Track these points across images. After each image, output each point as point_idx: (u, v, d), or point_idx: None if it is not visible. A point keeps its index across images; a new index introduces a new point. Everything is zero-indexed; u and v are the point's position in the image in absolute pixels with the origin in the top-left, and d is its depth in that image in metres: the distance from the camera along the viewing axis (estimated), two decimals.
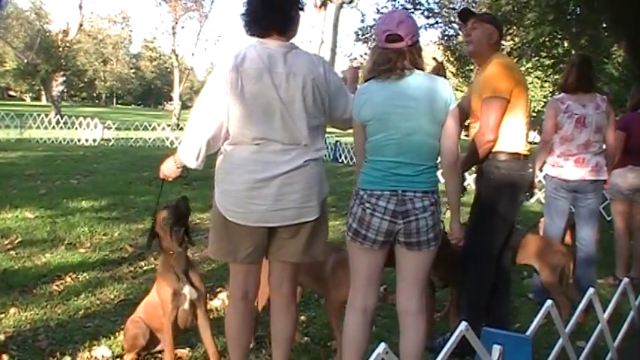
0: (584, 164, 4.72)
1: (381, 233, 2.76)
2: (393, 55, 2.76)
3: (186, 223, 3.24)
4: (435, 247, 2.83)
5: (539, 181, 6.52)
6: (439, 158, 2.82)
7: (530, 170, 3.71)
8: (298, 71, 2.75)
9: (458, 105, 2.85)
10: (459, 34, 26.73)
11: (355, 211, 2.82)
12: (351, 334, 2.92)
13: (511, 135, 3.47)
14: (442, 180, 2.89)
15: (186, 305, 3.24)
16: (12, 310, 4.07)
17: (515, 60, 19.01)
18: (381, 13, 26.94)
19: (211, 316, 3.63)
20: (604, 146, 4.91)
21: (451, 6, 27.22)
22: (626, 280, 2.97)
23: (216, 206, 2.86)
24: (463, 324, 1.94)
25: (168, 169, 3.01)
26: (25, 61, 40.60)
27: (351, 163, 17.86)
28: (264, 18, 2.77)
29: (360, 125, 2.86)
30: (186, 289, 3.23)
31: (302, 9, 2.89)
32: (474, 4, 25.04)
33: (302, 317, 3.91)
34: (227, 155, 2.82)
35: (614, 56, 19.48)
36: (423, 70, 2.82)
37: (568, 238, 5.31)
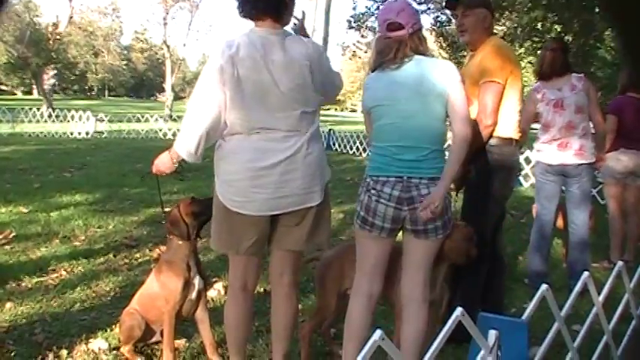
0: (567, 148, 4.74)
1: (387, 220, 2.76)
2: (394, 43, 2.76)
3: (209, 218, 3.13)
4: (443, 235, 2.82)
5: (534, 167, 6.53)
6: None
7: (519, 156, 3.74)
8: (294, 58, 2.73)
9: None
10: (451, 20, 26.64)
11: (362, 198, 2.83)
12: (354, 320, 2.93)
13: (504, 120, 3.47)
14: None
15: (193, 295, 3.26)
16: (8, 305, 4.06)
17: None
18: (374, 0, 26.86)
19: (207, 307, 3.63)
20: (591, 128, 4.92)
21: None
22: (620, 263, 2.98)
23: (217, 197, 2.83)
24: (459, 310, 1.93)
25: (164, 163, 2.94)
26: (16, 54, 40.43)
27: (344, 151, 17.88)
28: (257, 5, 2.74)
29: (367, 114, 2.92)
30: (197, 280, 3.26)
31: None
32: None
33: (300, 306, 3.92)
34: (226, 146, 2.79)
35: (606, 40, 19.47)
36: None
37: (560, 222, 5.35)
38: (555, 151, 4.79)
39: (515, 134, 3.56)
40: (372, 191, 2.76)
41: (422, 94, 2.71)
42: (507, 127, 3.50)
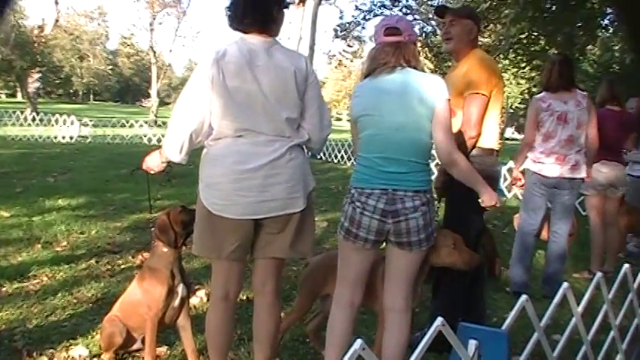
0: (564, 162, 4.84)
1: (372, 232, 2.76)
2: (390, 48, 2.79)
3: None
4: (427, 247, 2.83)
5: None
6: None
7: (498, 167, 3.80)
8: (279, 64, 2.76)
9: None
10: (437, 31, 26.82)
11: (347, 209, 2.82)
12: (336, 328, 2.94)
13: (486, 131, 3.52)
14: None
15: (176, 303, 3.26)
16: None
17: (493, 57, 19.14)
18: (360, 9, 27.06)
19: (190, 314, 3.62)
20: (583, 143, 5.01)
21: (429, 3, 27.32)
22: (599, 274, 3.01)
23: (200, 201, 2.83)
24: (439, 319, 1.95)
25: (153, 162, 2.99)
26: (0, 57, 40.07)
27: (329, 160, 17.90)
28: (245, 15, 2.78)
29: (354, 123, 2.90)
30: (180, 287, 3.26)
31: (287, 7, 2.91)
32: (451, 1, 25.15)
33: (282, 314, 3.92)
34: (211, 149, 2.82)
35: (589, 54, 19.74)
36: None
37: (545, 234, 5.41)
38: (552, 164, 4.87)
39: (496, 145, 3.62)
40: (357, 203, 2.76)
41: (410, 107, 2.73)
42: (489, 138, 3.55)
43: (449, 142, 2.78)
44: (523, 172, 5.19)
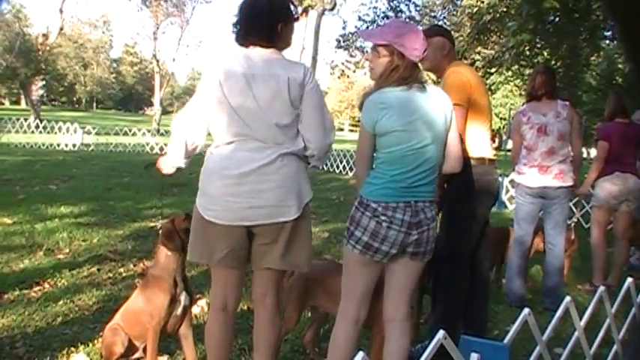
0: (547, 172, 4.88)
1: (395, 245, 2.73)
2: (416, 67, 2.82)
3: None
4: (430, 256, 2.87)
5: None
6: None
7: (497, 176, 3.81)
8: (273, 72, 2.77)
9: None
10: None
11: (366, 223, 2.72)
12: (339, 345, 2.90)
13: (474, 140, 3.53)
14: None
15: (179, 311, 3.26)
16: None
17: (496, 68, 19.16)
18: (363, 20, 27.13)
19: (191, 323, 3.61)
20: (570, 154, 5.02)
21: (432, 14, 27.43)
22: (602, 288, 3.01)
23: (196, 207, 2.87)
24: (441, 332, 1.95)
25: (165, 165, 3.09)
26: (5, 64, 40.21)
27: (330, 170, 17.89)
28: (249, 34, 2.83)
29: (372, 136, 2.78)
30: (183, 296, 3.26)
31: (296, 19, 2.96)
32: (454, 13, 25.25)
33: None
34: (210, 156, 2.87)
35: (592, 66, 19.76)
36: None
37: (539, 243, 5.42)
38: (536, 174, 4.91)
39: (488, 153, 3.63)
40: (382, 217, 2.70)
41: (438, 123, 2.78)
42: (478, 147, 3.57)
43: (458, 165, 2.95)
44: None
